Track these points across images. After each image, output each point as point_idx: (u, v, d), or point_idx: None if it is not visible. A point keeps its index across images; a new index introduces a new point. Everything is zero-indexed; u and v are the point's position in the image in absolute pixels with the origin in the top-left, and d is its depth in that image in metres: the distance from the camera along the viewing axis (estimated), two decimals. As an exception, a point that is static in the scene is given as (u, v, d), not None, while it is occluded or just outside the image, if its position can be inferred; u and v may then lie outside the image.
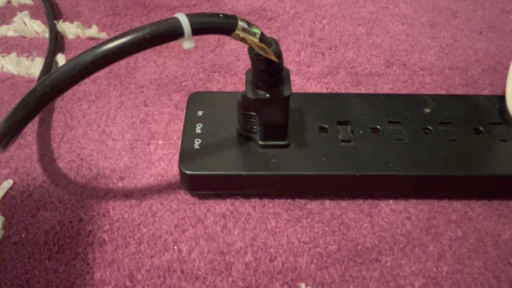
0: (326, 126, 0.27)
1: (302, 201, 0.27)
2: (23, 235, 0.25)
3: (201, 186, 0.26)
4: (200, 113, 0.28)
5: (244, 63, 0.36)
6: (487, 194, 0.27)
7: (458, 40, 0.39)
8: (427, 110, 0.29)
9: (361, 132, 0.27)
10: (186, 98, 0.31)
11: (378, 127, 0.28)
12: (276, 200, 0.27)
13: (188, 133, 0.27)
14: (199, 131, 0.27)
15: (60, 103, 0.32)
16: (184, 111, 0.29)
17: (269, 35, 0.39)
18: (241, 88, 0.34)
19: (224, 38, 0.38)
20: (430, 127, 0.28)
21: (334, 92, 0.34)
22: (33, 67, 0.34)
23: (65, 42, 0.37)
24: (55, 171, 0.28)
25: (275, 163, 0.25)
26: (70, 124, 0.31)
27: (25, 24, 0.38)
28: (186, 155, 0.26)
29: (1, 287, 0.23)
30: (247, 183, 0.26)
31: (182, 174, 0.26)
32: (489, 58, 0.37)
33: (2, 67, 0.34)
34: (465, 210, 0.27)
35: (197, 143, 0.26)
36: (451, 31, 0.40)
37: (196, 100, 0.29)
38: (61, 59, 0.35)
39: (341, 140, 0.27)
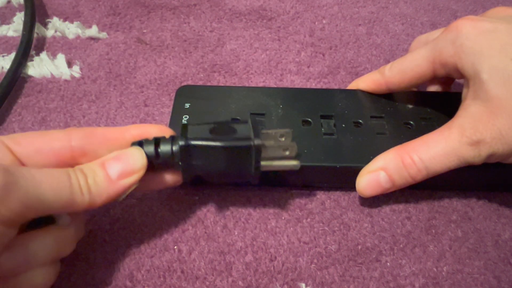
0: (309, 119, 0.28)
1: (302, 201, 0.27)
2: (23, 235, 0.25)
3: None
4: (187, 105, 0.29)
5: (244, 63, 0.36)
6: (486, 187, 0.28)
7: (458, 40, 0.39)
8: (410, 106, 0.29)
9: (343, 126, 0.28)
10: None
11: (360, 121, 0.28)
12: (276, 200, 0.27)
13: (174, 124, 0.27)
14: (185, 123, 0.28)
15: (60, 103, 0.32)
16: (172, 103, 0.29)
17: (269, 35, 0.40)
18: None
19: (224, 38, 0.38)
20: (411, 122, 0.28)
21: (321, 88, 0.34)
22: (33, 67, 0.34)
23: (65, 42, 0.37)
24: (55, 171, 0.28)
25: None
26: (70, 124, 0.31)
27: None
28: None
29: (1, 287, 0.23)
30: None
31: None
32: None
33: (2, 67, 0.34)
34: (465, 210, 0.27)
35: None
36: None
37: (184, 93, 0.30)
38: (61, 59, 0.35)
39: (323, 133, 0.27)
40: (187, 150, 0.21)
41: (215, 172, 0.22)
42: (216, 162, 0.22)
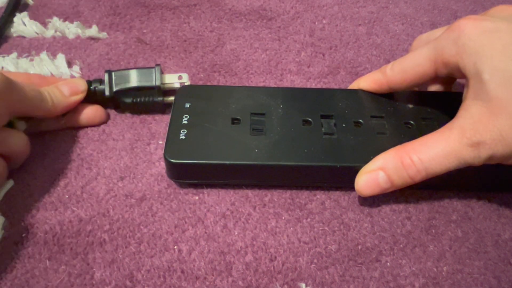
0: (310, 119, 0.28)
1: (302, 201, 0.27)
2: (23, 235, 0.25)
3: (184, 174, 0.27)
4: (187, 105, 0.29)
5: (244, 63, 0.36)
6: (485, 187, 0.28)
7: (458, 40, 0.39)
8: (410, 106, 0.29)
9: (344, 125, 0.28)
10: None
11: (360, 121, 0.28)
12: (276, 200, 0.27)
13: (175, 124, 0.28)
14: (186, 122, 0.28)
15: (60, 103, 0.32)
16: (173, 103, 0.29)
17: (269, 35, 0.40)
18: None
19: (224, 38, 0.38)
20: (412, 122, 0.28)
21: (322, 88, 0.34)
22: (33, 67, 0.34)
23: (65, 42, 0.37)
24: (55, 171, 0.28)
25: (257, 153, 0.26)
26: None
27: (25, 25, 0.38)
28: (172, 144, 0.26)
29: (1, 287, 0.23)
30: (230, 172, 0.26)
31: (167, 162, 0.26)
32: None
33: (2, 67, 0.34)
34: (465, 210, 0.27)
35: (183, 133, 0.27)
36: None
37: (184, 93, 0.30)
38: (61, 59, 0.35)
39: (324, 133, 0.27)
40: (110, 75, 0.30)
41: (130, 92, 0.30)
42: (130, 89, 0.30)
